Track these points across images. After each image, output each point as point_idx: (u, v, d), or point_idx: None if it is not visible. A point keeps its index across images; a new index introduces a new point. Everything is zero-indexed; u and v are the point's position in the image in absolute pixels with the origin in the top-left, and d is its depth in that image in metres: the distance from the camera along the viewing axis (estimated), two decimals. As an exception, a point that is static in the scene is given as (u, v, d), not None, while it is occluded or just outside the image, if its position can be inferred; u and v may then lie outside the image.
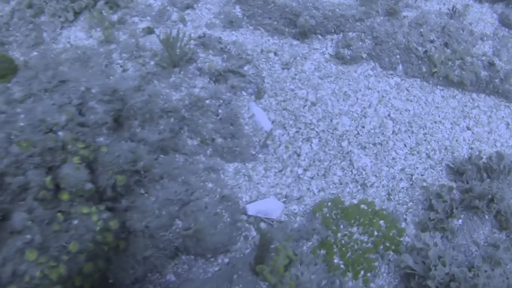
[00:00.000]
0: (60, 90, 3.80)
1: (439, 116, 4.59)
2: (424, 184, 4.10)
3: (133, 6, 5.03)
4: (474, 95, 4.82)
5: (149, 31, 4.84)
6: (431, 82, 4.76)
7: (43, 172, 3.29)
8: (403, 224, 3.88)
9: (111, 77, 4.46)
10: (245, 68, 4.55)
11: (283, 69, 4.63)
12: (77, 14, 5.07)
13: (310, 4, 4.79)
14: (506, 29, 5.08)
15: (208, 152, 4.30)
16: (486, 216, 3.85)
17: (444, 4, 5.19)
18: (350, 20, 4.80)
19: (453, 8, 5.00)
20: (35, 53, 4.87)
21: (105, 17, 4.85)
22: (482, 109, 4.75)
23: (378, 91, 4.61)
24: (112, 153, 3.64)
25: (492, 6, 5.27)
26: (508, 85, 4.80)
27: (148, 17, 4.95)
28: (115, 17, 4.97)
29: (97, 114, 3.78)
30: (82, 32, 4.97)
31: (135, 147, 3.83)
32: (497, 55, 4.89)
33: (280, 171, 4.21)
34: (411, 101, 4.62)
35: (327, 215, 3.85)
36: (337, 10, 4.79)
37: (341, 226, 3.77)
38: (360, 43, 4.73)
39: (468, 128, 4.59)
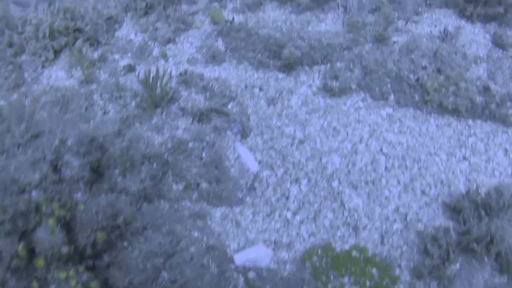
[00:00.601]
0: (33, 145, 3.65)
1: (434, 147, 4.39)
2: (419, 225, 3.91)
3: (114, 42, 4.87)
4: (470, 121, 4.61)
5: (130, 68, 4.68)
6: (424, 110, 4.56)
7: (15, 240, 3.14)
8: (397, 271, 3.70)
9: (91, 121, 4.32)
10: (229, 105, 4.38)
11: (269, 105, 4.45)
12: (57, 52, 4.93)
13: (295, 34, 4.61)
14: (500, 50, 4.87)
15: (193, 197, 4.14)
16: (486, 259, 3.66)
17: (435, 26, 4.98)
18: (338, 49, 4.61)
19: (444, 30, 4.79)
20: (15, 95, 4.72)
21: (84, 56, 4.70)
22: (478, 137, 4.54)
23: (369, 124, 4.42)
24: (90, 210, 3.49)
25: (484, 26, 5.05)
26: (504, 110, 4.60)
27: (129, 54, 4.79)
28: (95, 55, 4.82)
29: (73, 168, 3.63)
30: (63, 71, 4.83)
31: (114, 200, 3.67)
32: (492, 78, 4.69)
33: (269, 215, 4.04)
34: (404, 133, 4.43)
35: (317, 264, 3.68)
36: (324, 39, 4.60)
37: (331, 277, 3.60)
38: (349, 73, 4.54)
39: (465, 158, 4.39)
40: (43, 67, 4.91)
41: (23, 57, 5.02)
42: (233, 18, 4.74)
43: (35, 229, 3.24)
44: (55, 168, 3.63)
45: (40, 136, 3.73)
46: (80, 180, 3.65)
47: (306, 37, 4.60)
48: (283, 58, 4.53)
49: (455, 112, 4.56)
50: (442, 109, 4.56)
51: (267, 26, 4.72)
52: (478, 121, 4.64)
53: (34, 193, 3.30)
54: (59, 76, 4.82)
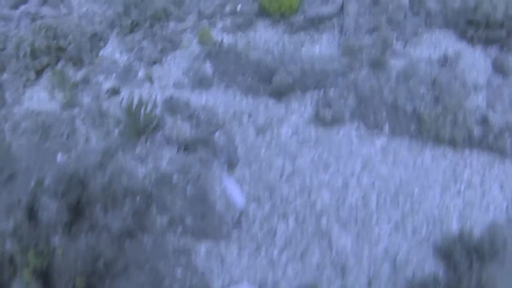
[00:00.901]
0: (9, 187, 3.51)
1: (428, 180, 4.24)
2: (409, 268, 3.80)
3: (98, 62, 4.68)
4: (466, 152, 4.44)
5: (114, 91, 4.50)
6: (420, 141, 4.38)
7: (-12, 295, 3.05)
8: (384, 318, 3.61)
9: (72, 151, 4.17)
10: (216, 134, 4.22)
11: (257, 134, 4.28)
12: (39, 72, 4.74)
13: (287, 57, 4.40)
14: (500, 76, 4.65)
15: (178, 231, 4.02)
16: (475, 308, 3.56)
17: (434, 48, 4.76)
18: (332, 75, 4.40)
19: (444, 56, 4.57)
20: (-5, 118, 4.55)
21: (66, 78, 4.52)
22: (474, 168, 4.38)
23: (362, 156, 4.26)
24: (68, 256, 3.38)
25: (485, 50, 4.81)
26: (502, 141, 4.41)
27: (113, 75, 4.60)
28: (78, 75, 4.63)
29: (51, 211, 3.50)
30: (44, 92, 4.65)
31: (95, 242, 3.57)
32: (491, 107, 4.50)
33: (255, 251, 3.93)
34: (397, 165, 4.27)
35: (302, 309, 3.58)
36: (317, 64, 4.39)
37: (316, 326, 3.51)
38: (343, 101, 4.34)
39: (459, 193, 4.23)
40: (24, 87, 4.72)
41: (4, 76, 4.83)
42: (222, 40, 4.52)
43: (9, 282, 3.13)
44: (31, 212, 3.50)
45: (15, 176, 3.59)
46: (58, 223, 3.52)
47: (299, 61, 4.39)
48: (274, 84, 4.33)
49: (452, 142, 4.39)
50: (438, 139, 4.38)
51: (258, 48, 4.50)
52: (475, 151, 4.46)
53: (8, 243, 3.18)
54: (40, 97, 4.64)
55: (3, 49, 4.85)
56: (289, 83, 4.31)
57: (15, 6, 5.17)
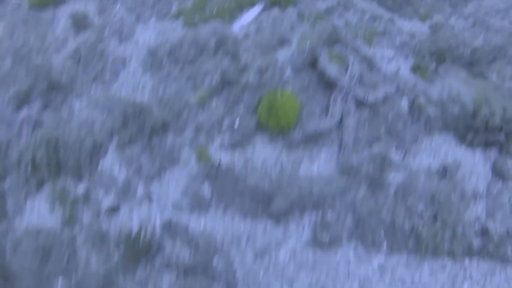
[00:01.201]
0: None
1: (426, 298, 4.25)
2: None
3: (98, 175, 4.72)
4: (466, 262, 4.44)
5: (114, 209, 4.54)
6: (418, 256, 4.39)
7: None
8: None
9: (73, 276, 4.23)
10: (215, 259, 4.26)
11: (256, 257, 4.31)
12: (40, 184, 4.80)
13: (285, 180, 4.41)
14: (500, 181, 4.63)
15: None
16: None
17: (434, 155, 4.73)
18: (329, 197, 4.40)
19: (443, 166, 4.56)
20: (-3, 234, 4.63)
21: (66, 193, 4.58)
22: (474, 279, 4.37)
23: (359, 277, 4.28)
24: None
25: (484, 153, 4.77)
26: (503, 249, 4.41)
27: (113, 191, 4.64)
28: (78, 190, 4.68)
29: None
30: (45, 206, 4.71)
31: None
32: (491, 216, 4.49)
33: None
34: (395, 283, 4.28)
35: None
36: (315, 186, 4.39)
37: None
38: (340, 223, 4.35)
39: (458, 308, 4.24)
40: (26, 198, 4.79)
41: (6, 184, 4.90)
42: (219, 161, 4.54)
43: None
44: None
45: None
46: None
47: (297, 182, 4.39)
48: (272, 208, 4.34)
49: (451, 255, 4.38)
50: (437, 254, 4.38)
51: (256, 169, 4.49)
52: (475, 261, 4.46)
53: None
54: (41, 210, 4.70)
55: (5, 156, 4.93)
56: (287, 207, 4.33)
57: (17, 108, 5.23)
